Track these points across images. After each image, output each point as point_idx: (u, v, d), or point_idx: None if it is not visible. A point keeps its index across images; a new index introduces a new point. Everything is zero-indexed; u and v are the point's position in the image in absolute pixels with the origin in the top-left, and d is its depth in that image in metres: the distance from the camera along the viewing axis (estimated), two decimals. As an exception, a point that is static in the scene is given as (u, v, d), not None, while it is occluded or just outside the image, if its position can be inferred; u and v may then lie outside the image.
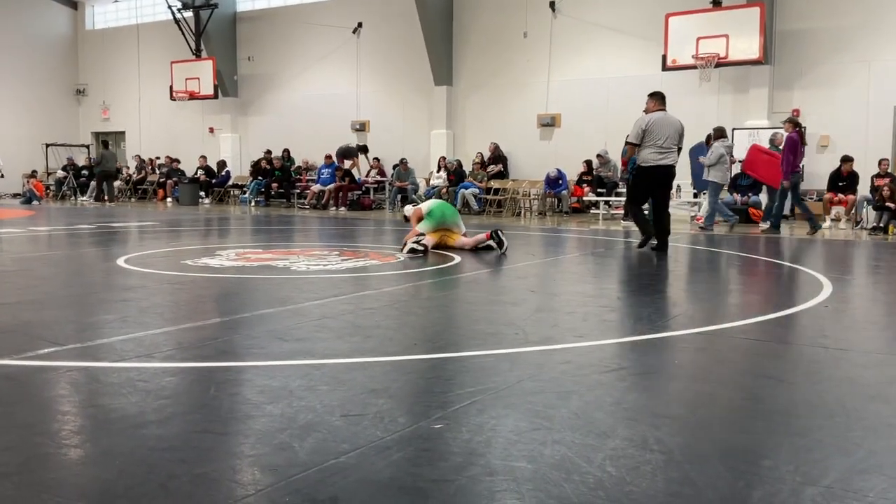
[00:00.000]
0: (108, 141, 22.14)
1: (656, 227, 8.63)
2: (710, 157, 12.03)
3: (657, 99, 8.68)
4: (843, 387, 3.05)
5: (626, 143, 8.94)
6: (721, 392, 2.97)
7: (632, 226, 12.22)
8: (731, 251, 8.84)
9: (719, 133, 12.40)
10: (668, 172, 8.63)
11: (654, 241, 8.57)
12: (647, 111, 8.69)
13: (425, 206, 8.47)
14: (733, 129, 15.12)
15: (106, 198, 20.21)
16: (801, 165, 12.02)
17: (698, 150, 13.27)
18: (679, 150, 8.70)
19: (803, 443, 2.38)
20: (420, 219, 8.25)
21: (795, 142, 11.36)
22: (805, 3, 14.85)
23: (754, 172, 12.91)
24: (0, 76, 24.00)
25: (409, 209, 8.88)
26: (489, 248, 8.02)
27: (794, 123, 11.56)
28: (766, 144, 13.52)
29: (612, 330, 4.22)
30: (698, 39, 14.63)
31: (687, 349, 3.73)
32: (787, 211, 13.09)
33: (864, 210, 12.96)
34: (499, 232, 8.03)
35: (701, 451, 2.29)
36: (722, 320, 4.49)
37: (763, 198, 14.22)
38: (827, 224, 12.78)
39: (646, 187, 8.74)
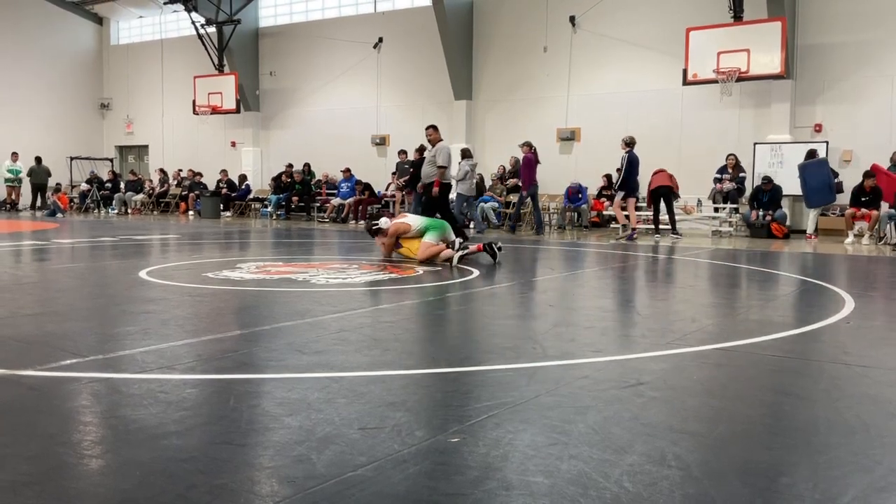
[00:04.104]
0: (40, 157, 22.59)
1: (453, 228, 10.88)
2: (459, 173, 14.15)
3: (438, 130, 11.43)
4: (863, 404, 3.02)
5: (438, 167, 11.08)
6: (740, 408, 2.95)
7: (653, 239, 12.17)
8: (754, 266, 8.78)
9: (465, 153, 14.53)
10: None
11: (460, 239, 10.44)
12: (433, 140, 11.26)
13: (414, 221, 8.64)
14: (755, 144, 15.04)
15: (38, 205, 22.01)
16: (536, 179, 14.60)
17: (810, 168, 12.87)
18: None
19: (822, 460, 2.36)
20: (400, 234, 8.55)
21: (531, 160, 14.25)
22: (827, 18, 14.78)
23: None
24: (26, 90, 24.43)
25: (385, 222, 8.89)
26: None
27: (529, 146, 14.32)
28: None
29: (630, 345, 4.20)
30: (719, 54, 14.59)
31: (706, 365, 3.71)
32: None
33: (888, 226, 12.82)
34: (492, 244, 8.30)
35: (719, 468, 2.28)
36: (742, 336, 4.46)
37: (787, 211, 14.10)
38: (849, 240, 12.66)
39: (447, 198, 11.50)
